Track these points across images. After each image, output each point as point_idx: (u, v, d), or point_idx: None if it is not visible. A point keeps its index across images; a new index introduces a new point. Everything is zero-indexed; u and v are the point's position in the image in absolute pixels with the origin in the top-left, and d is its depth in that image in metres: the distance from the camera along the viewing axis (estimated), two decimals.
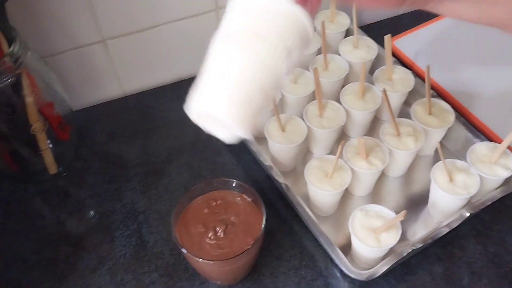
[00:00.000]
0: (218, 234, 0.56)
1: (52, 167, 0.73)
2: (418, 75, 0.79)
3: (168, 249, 0.66)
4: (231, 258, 0.54)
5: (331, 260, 0.64)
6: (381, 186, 0.71)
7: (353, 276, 0.58)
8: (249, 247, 0.54)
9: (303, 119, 0.69)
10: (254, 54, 0.30)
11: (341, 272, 0.62)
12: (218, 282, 0.62)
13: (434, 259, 0.64)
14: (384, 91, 0.64)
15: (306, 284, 0.62)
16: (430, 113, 0.70)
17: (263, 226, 0.55)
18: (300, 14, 0.31)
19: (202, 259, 0.53)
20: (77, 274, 0.64)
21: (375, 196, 0.70)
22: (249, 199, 0.59)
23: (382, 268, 0.58)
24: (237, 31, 0.30)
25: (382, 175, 0.70)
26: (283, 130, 0.68)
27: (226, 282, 0.62)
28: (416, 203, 0.69)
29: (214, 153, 0.77)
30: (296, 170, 0.74)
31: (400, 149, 0.66)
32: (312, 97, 0.74)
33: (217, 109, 0.31)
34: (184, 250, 0.53)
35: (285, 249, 0.66)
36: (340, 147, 0.60)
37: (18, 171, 0.72)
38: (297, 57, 0.31)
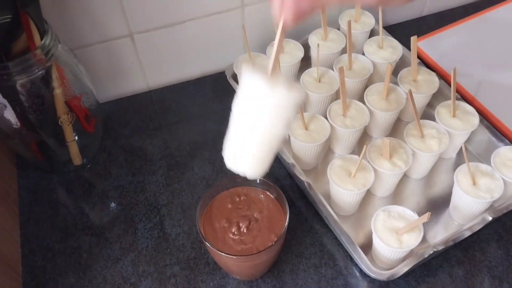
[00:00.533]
0: (242, 229, 0.57)
1: (77, 159, 0.74)
2: (441, 77, 0.79)
3: (189, 242, 0.67)
4: (254, 254, 0.54)
5: (351, 259, 0.64)
6: (403, 187, 0.71)
7: (373, 276, 0.58)
8: (272, 243, 0.54)
9: (326, 118, 0.69)
10: (266, 130, 0.41)
11: (361, 271, 0.63)
12: (239, 277, 0.63)
13: (455, 262, 0.64)
14: (410, 92, 0.64)
15: (326, 283, 0.63)
16: (454, 116, 0.70)
17: (286, 223, 0.56)
18: (298, 94, 0.39)
19: (225, 253, 0.53)
20: (100, 264, 0.65)
21: (396, 197, 0.70)
22: (272, 196, 0.60)
23: (403, 268, 0.58)
24: (251, 112, 0.40)
25: (404, 177, 0.70)
26: (306, 129, 0.69)
27: (247, 277, 0.62)
28: (437, 206, 0.69)
29: None
30: (317, 168, 0.74)
31: (424, 151, 0.66)
32: (336, 96, 0.74)
33: (242, 168, 0.45)
34: (208, 244, 0.54)
35: (305, 246, 0.66)
36: (364, 147, 0.60)
37: (44, 161, 0.74)
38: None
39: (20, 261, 0.66)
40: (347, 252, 0.65)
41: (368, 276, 0.62)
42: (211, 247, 0.54)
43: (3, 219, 0.66)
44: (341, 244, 0.66)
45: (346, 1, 0.35)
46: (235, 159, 0.44)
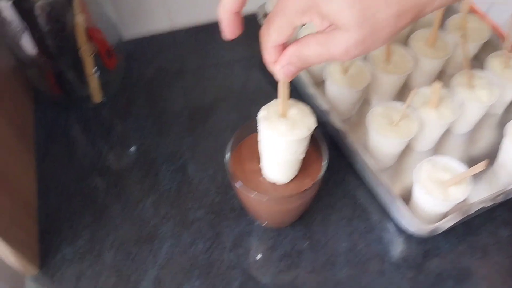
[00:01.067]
0: None
1: (97, 95, 0.70)
2: (491, 26, 0.73)
3: (214, 187, 0.63)
4: (287, 196, 0.50)
5: (386, 213, 0.60)
6: (444, 142, 0.66)
7: (413, 230, 0.54)
8: (309, 187, 0.50)
9: (367, 64, 0.64)
10: (285, 158, 0.48)
11: (396, 226, 0.59)
12: (266, 223, 0.59)
13: (500, 222, 0.59)
14: (464, 36, 0.58)
15: (358, 236, 0.58)
16: (506, 67, 0.64)
17: (324, 162, 0.51)
18: (304, 131, 0.45)
19: (257, 192, 0.49)
20: (119, 206, 0.61)
21: (436, 152, 0.66)
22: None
23: (447, 223, 0.54)
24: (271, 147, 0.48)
25: (446, 131, 0.65)
26: (345, 73, 0.63)
27: (275, 224, 0.59)
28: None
29: (264, 96, 0.71)
30: (352, 119, 0.69)
31: (472, 102, 0.61)
32: None
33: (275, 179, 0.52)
34: (238, 184, 0.50)
35: (337, 198, 0.62)
36: (412, 92, 0.55)
37: (62, 96, 0.69)
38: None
39: (36, 198, 0.62)
40: (382, 206, 0.60)
41: (405, 232, 0.58)
42: (242, 186, 0.50)
43: (20, 154, 0.62)
44: (376, 198, 0.61)
45: (327, 60, 0.36)
46: (268, 173, 0.52)
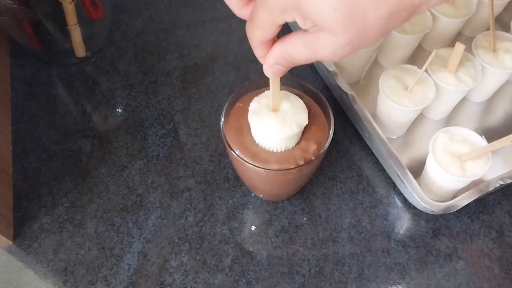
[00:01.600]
0: None
1: (80, 49, 0.63)
2: None
3: (207, 155, 0.57)
4: (287, 169, 0.45)
5: (394, 187, 0.55)
6: (459, 111, 0.61)
7: (426, 206, 0.49)
8: (312, 159, 0.44)
9: None
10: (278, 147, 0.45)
11: (405, 202, 0.54)
12: (262, 196, 0.54)
13: None
14: None
15: (363, 211, 0.54)
16: None
17: (331, 131, 0.45)
18: (296, 133, 0.44)
19: (254, 162, 0.44)
20: (102, 171, 0.56)
21: (450, 122, 0.60)
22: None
23: (463, 201, 0.49)
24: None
25: (462, 99, 0.59)
26: None
27: (272, 197, 0.54)
28: (498, 135, 0.58)
29: None
30: (360, 83, 0.63)
31: (495, 67, 0.55)
32: None
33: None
34: (234, 152, 0.44)
35: (340, 169, 0.57)
36: (431, 54, 0.49)
37: (42, 50, 0.63)
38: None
39: (10, 160, 0.57)
40: (390, 179, 0.56)
41: (413, 208, 0.53)
42: (237, 156, 0.44)
43: None
44: (383, 170, 0.56)
45: (316, 61, 0.33)
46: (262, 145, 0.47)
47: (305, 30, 0.31)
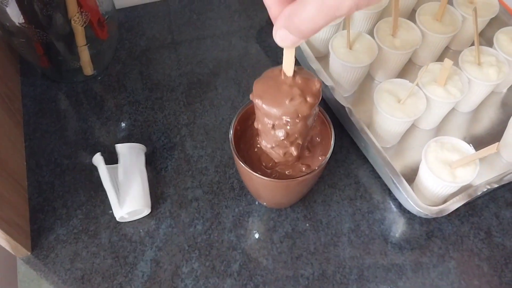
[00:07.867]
0: None
1: (88, 68, 0.66)
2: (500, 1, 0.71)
3: (213, 166, 0.60)
4: (292, 178, 0.48)
5: (390, 193, 0.59)
6: (448, 121, 0.65)
7: (420, 211, 0.53)
8: (315, 169, 0.48)
9: (373, 38, 0.62)
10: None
11: (400, 207, 0.58)
12: (265, 204, 0.57)
13: (502, 203, 0.58)
14: (475, 10, 0.56)
15: (361, 216, 0.57)
16: None
17: (332, 141, 0.49)
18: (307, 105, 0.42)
19: (261, 173, 0.47)
20: None
21: (440, 131, 0.64)
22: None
23: (454, 205, 0.53)
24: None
25: (451, 109, 0.63)
26: (351, 48, 0.61)
27: (276, 205, 0.57)
28: (484, 143, 0.63)
29: (264, 70, 0.70)
30: (355, 95, 0.67)
31: (481, 79, 0.59)
32: (384, 13, 0.66)
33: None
34: (242, 164, 0.48)
35: (339, 177, 0.60)
36: (421, 69, 0.53)
37: (51, 68, 0.66)
38: None
39: (25, 175, 0.59)
40: (385, 185, 0.59)
41: (408, 212, 0.57)
42: (245, 167, 0.47)
43: (8, 128, 0.59)
44: (379, 177, 0.60)
45: (322, 20, 0.28)
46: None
47: None
